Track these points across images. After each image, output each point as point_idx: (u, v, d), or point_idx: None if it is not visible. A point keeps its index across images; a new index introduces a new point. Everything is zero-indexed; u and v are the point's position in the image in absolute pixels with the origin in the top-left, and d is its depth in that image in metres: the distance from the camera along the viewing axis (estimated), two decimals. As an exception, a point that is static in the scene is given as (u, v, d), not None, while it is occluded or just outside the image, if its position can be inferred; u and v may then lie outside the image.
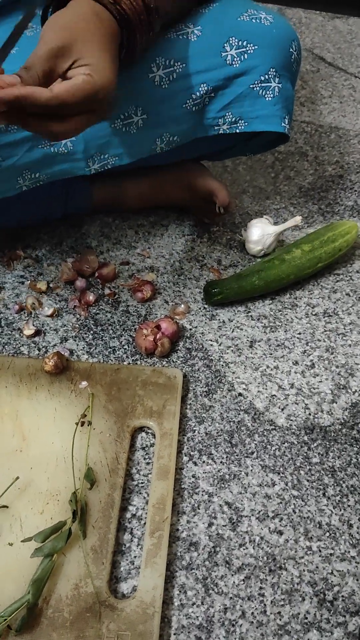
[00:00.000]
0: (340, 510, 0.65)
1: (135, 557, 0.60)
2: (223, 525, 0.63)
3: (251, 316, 0.83)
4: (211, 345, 0.79)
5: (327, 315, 0.84)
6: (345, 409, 0.73)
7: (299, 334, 0.81)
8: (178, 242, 0.92)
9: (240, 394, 0.74)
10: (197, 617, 0.57)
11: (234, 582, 0.59)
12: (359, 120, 1.17)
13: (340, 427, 0.72)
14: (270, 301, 0.85)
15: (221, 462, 0.68)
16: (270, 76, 0.73)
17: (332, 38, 1.39)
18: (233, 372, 0.76)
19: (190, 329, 0.80)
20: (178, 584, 0.58)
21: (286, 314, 0.83)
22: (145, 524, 0.61)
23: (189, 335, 0.80)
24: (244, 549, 0.61)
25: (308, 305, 0.85)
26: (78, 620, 0.54)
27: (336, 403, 0.74)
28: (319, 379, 0.76)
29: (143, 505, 0.63)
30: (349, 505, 0.65)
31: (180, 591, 0.58)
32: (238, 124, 0.75)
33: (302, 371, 0.77)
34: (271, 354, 0.79)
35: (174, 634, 0.56)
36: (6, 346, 0.76)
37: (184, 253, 0.90)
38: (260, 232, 0.87)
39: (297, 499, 0.65)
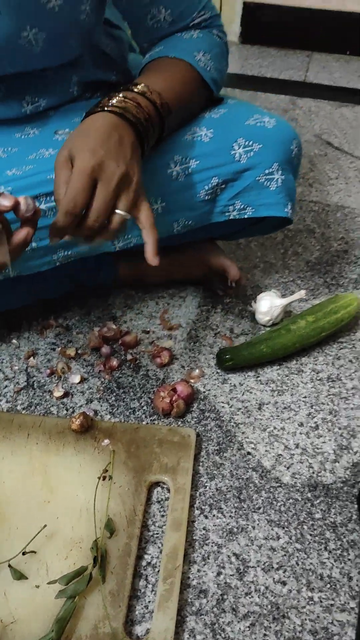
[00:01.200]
0: (341, 564, 0.70)
1: (149, 602, 0.65)
2: (231, 575, 0.68)
3: (260, 380, 0.90)
4: (223, 407, 0.86)
5: (330, 380, 0.91)
6: (346, 468, 0.79)
7: (305, 397, 0.88)
8: (194, 312, 1.01)
9: (249, 453, 0.81)
10: (205, 660, 0.61)
11: (240, 628, 0.64)
12: (363, 200, 1.28)
13: (341, 485, 0.77)
14: (278, 367, 0.92)
15: (230, 516, 0.74)
16: (274, 170, 0.83)
17: (339, 124, 1.53)
18: (242, 432, 0.83)
19: (204, 392, 0.88)
20: (188, 629, 0.64)
21: (293, 379, 0.91)
22: (159, 571, 0.67)
23: (202, 397, 0.87)
24: (249, 598, 0.66)
25: (313, 370, 0.92)
26: (96, 659, 0.60)
27: (338, 462, 0.80)
28: (322, 440, 0.82)
29: (158, 554, 0.69)
30: (349, 559, 0.70)
31: (190, 635, 0.63)
32: (246, 210, 0.85)
33: (306, 432, 0.83)
34: (278, 416, 0.85)
35: None
36: (38, 406, 0.85)
37: (199, 322, 0.99)
38: (268, 304, 0.96)
39: (300, 552, 0.71)
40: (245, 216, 0.85)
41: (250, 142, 0.82)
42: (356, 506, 0.75)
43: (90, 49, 0.86)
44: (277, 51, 1.85)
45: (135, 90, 0.73)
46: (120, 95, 0.72)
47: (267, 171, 0.83)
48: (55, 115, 0.88)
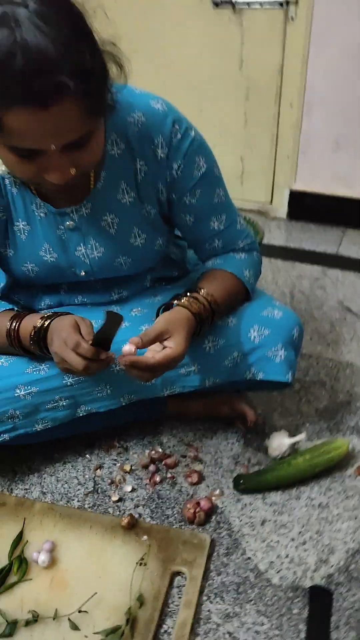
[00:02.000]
0: (307, 649, 0.93)
1: (162, 658, 0.92)
2: (223, 647, 0.94)
3: (266, 502, 1.18)
4: (234, 520, 1.14)
5: (321, 507, 1.17)
6: (323, 577, 1.04)
7: (299, 518, 1.15)
8: (222, 443, 1.32)
9: (249, 558, 1.07)
10: None
11: None
12: (371, 359, 1.58)
13: (317, 590, 1.02)
14: (282, 492, 1.20)
15: (229, 603, 1.00)
16: (278, 348, 1.17)
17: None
18: (247, 542, 1.10)
19: (221, 507, 1.17)
20: None
21: (291, 503, 1.18)
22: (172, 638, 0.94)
23: (220, 511, 1.16)
24: (235, 665, 0.91)
25: (308, 497, 1.19)
26: None
27: (317, 572, 1.05)
28: (307, 553, 1.08)
29: (173, 625, 0.96)
30: (314, 646, 0.94)
31: None
32: (258, 374, 1.19)
33: (296, 546, 1.09)
34: (276, 532, 1.12)
35: None
36: (99, 507, 1.17)
37: (225, 452, 1.30)
38: (278, 442, 1.26)
39: (278, 637, 0.95)
40: (258, 378, 1.18)
41: (262, 328, 1.17)
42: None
43: (162, 259, 1.26)
44: (316, 226, 2.27)
45: (201, 293, 1.10)
46: (195, 297, 1.09)
47: (273, 349, 1.17)
48: (133, 299, 1.27)
